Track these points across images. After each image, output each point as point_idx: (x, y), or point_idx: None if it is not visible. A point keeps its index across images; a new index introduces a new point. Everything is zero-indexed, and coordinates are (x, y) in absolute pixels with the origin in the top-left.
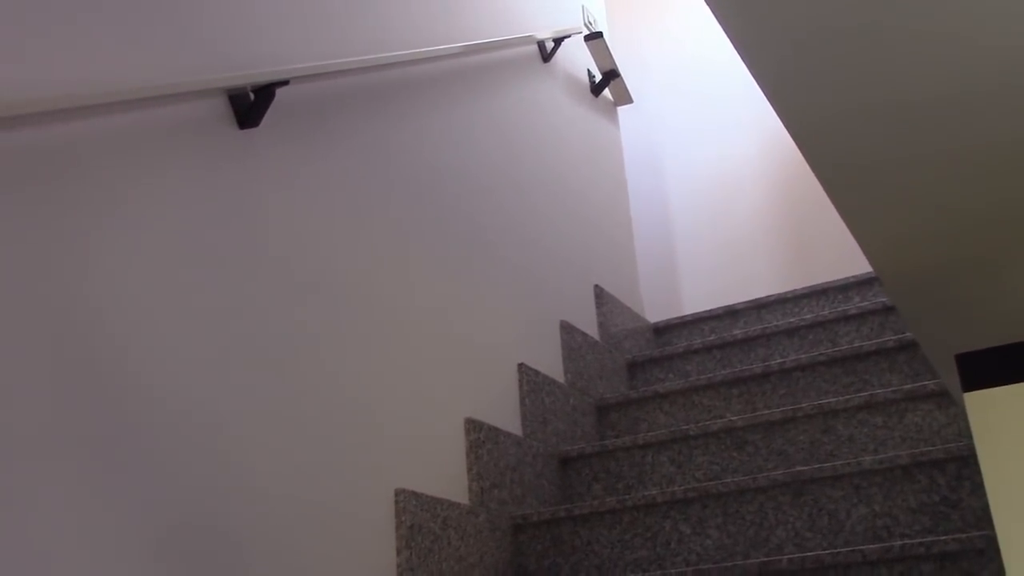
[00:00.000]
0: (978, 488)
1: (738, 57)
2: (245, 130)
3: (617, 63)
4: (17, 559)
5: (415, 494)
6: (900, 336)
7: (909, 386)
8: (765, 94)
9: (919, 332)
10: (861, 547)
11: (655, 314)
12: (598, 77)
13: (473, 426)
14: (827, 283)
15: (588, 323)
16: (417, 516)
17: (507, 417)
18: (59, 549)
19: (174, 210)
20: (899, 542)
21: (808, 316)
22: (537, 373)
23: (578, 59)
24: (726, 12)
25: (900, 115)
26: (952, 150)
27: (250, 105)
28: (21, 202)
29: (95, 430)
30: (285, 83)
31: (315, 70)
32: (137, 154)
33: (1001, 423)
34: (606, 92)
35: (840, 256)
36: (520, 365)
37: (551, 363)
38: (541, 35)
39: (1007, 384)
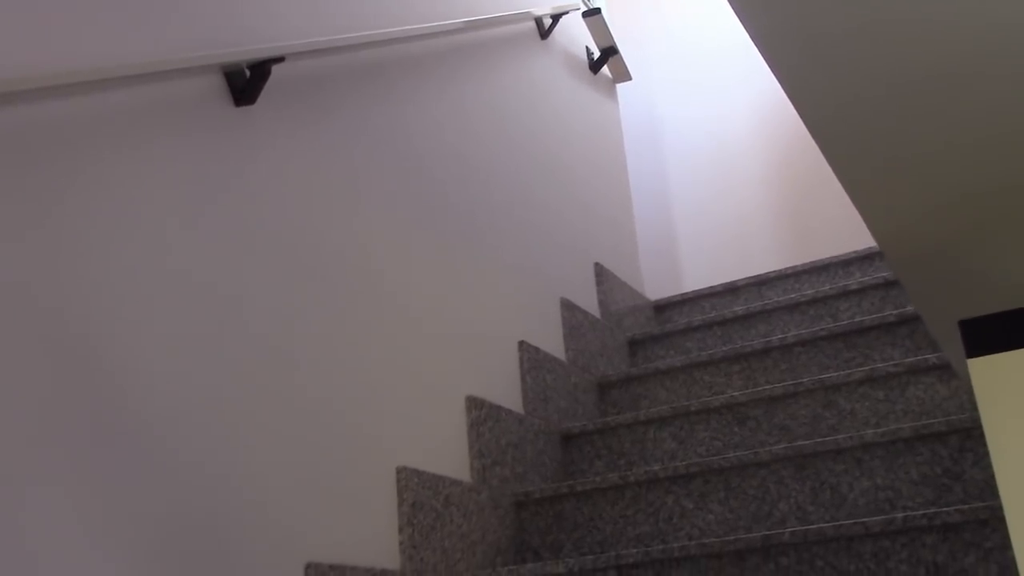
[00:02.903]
0: (981, 459)
1: (739, 34)
2: (241, 107)
3: (616, 40)
4: (13, 555)
5: (417, 472)
6: (901, 310)
7: (911, 359)
8: (768, 65)
9: (921, 302)
10: (864, 519)
11: (656, 291)
12: (596, 54)
13: (474, 404)
14: (828, 259)
15: (588, 301)
16: (419, 494)
17: (508, 395)
18: (55, 541)
19: (169, 188)
20: (902, 514)
21: (809, 292)
22: (538, 351)
23: (576, 36)
24: None
25: (904, 86)
26: (955, 119)
27: (246, 82)
28: (8, 180)
29: (89, 415)
30: (280, 60)
31: (311, 47)
32: (131, 132)
33: (1005, 389)
34: (605, 69)
35: (840, 232)
36: (521, 343)
37: (552, 341)
38: (539, 11)
39: (1011, 350)
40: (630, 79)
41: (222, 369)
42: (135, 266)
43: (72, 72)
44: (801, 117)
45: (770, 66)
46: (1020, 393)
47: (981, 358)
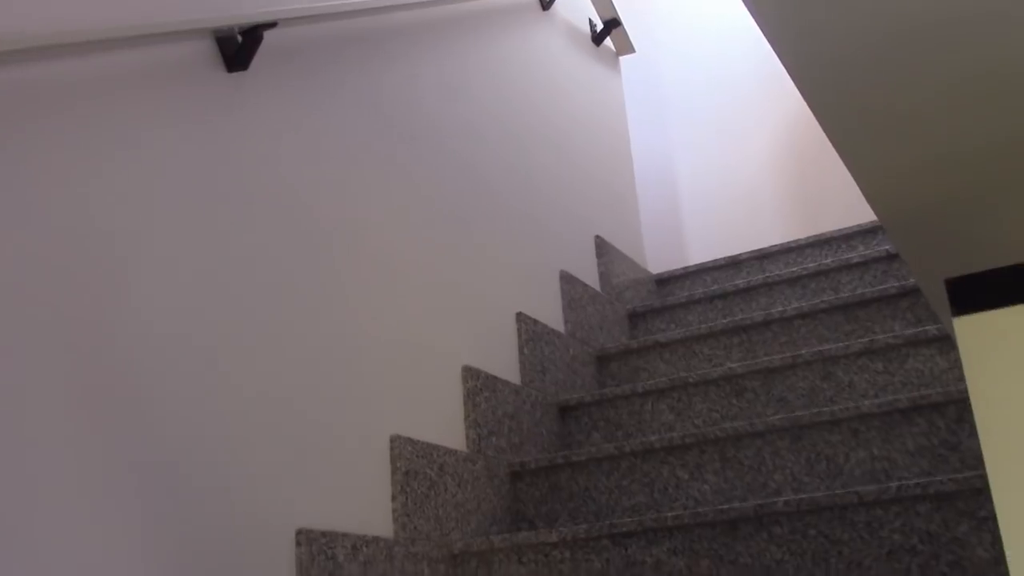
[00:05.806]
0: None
1: (740, 4)
2: (233, 73)
3: (618, 11)
4: (28, 522)
5: (411, 440)
6: (902, 283)
7: (910, 331)
8: (757, 23)
9: (917, 269)
10: (857, 488)
11: (660, 265)
12: (599, 26)
13: (470, 374)
14: (830, 232)
15: (589, 274)
16: (413, 462)
17: (505, 366)
18: (47, 503)
19: (159, 154)
20: (895, 483)
21: (811, 265)
22: (536, 322)
23: (579, 7)
24: None
25: (896, 40)
26: (949, 77)
27: (238, 47)
28: None
29: (80, 380)
30: (273, 25)
31: (304, 12)
32: (119, 97)
33: (990, 347)
34: (607, 41)
35: (844, 206)
36: (518, 314)
37: (551, 313)
38: None
39: (997, 308)
40: (633, 51)
41: (211, 336)
42: (125, 234)
43: (57, 34)
44: (792, 78)
45: (760, 26)
46: (1005, 352)
47: (966, 317)
